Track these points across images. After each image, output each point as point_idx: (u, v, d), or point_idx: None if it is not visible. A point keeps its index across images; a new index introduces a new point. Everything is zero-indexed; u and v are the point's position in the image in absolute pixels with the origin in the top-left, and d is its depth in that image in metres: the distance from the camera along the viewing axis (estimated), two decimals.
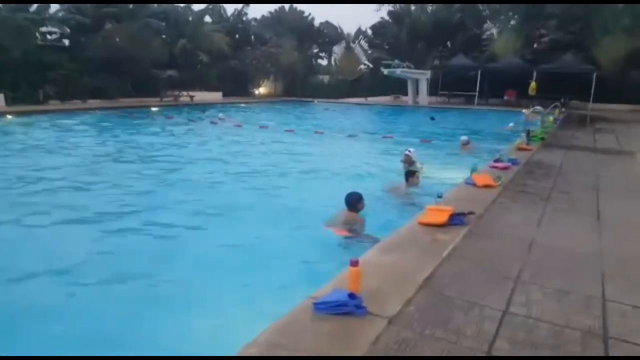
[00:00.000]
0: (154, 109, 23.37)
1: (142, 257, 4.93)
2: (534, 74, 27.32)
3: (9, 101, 21.71)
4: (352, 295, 3.02)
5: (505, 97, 29.25)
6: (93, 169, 9.14)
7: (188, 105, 27.92)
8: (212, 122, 17.98)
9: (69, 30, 28.44)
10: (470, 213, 4.75)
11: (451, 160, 10.29)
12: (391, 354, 2.54)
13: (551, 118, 16.84)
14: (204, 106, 26.64)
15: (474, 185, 6.30)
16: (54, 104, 23.36)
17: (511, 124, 18.05)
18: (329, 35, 38.62)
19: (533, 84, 27.27)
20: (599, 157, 9.33)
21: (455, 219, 4.65)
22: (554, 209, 5.36)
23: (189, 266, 4.71)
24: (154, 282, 4.39)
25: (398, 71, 26.81)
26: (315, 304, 3.00)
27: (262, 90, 39.05)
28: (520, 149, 9.73)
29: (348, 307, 2.99)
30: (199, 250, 5.07)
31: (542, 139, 11.37)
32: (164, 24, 30.92)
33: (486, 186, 6.23)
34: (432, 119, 21.39)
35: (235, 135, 14.54)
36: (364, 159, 10.34)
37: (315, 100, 33.52)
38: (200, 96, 30.55)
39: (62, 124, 16.56)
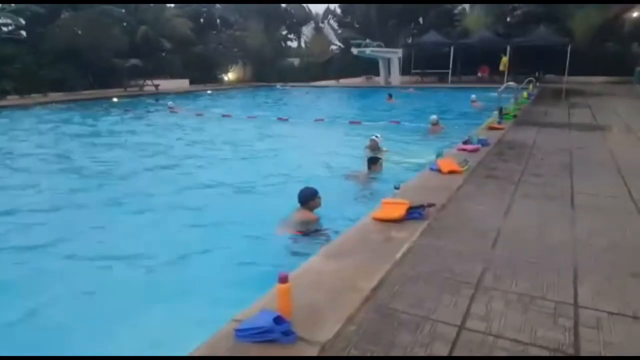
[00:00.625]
0: (115, 99, 22.30)
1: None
2: (508, 49, 26.95)
3: None
4: (278, 319, 2.51)
5: (479, 74, 28.89)
6: (34, 167, 8.43)
7: (153, 94, 26.90)
8: (171, 111, 17.16)
9: (23, 21, 27.00)
10: (430, 205, 4.25)
11: (419, 144, 9.80)
12: None
13: (525, 93, 16.49)
14: (165, 95, 25.56)
15: (439, 171, 5.81)
16: (11, 99, 22.24)
17: (473, 96, 17.89)
18: (297, 16, 37.48)
19: (504, 59, 26.94)
20: (574, 134, 8.94)
21: (414, 213, 4.15)
22: (524, 194, 4.90)
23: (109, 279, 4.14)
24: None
25: (368, 51, 26.09)
26: (236, 330, 2.50)
27: (230, 76, 37.97)
28: (491, 128, 9.29)
29: (274, 333, 2.48)
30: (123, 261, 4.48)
31: (515, 116, 10.95)
32: (123, 10, 29.57)
33: (452, 172, 5.75)
34: (390, 95, 20.87)
35: (189, 126, 13.80)
36: (328, 147, 9.75)
37: (278, 85, 32.56)
38: (166, 85, 29.50)
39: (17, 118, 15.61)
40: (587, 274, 3.13)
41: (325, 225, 4.94)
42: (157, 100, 22.02)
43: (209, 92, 28.52)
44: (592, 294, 2.86)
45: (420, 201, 4.30)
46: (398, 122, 12.50)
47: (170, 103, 18.71)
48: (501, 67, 27.08)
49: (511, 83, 13.12)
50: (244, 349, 2.38)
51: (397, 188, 4.43)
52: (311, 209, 4.95)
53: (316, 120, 13.36)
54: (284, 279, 2.52)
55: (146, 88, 28.54)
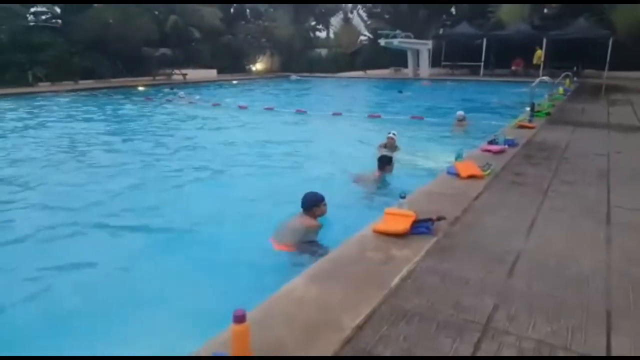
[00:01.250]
0: (140, 88, 22.27)
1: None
2: (544, 41, 25.68)
3: None
4: None
5: (513, 67, 27.65)
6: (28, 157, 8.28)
7: (180, 84, 26.91)
8: (190, 102, 16.92)
9: (58, 10, 27.39)
10: (440, 219, 3.72)
11: (441, 142, 9.17)
12: None
13: (561, 89, 15.52)
14: (183, 86, 25.57)
15: (457, 175, 5.24)
16: (43, 86, 22.56)
17: (495, 100, 17.06)
18: (326, 6, 36.77)
19: (539, 52, 25.67)
20: (613, 135, 8.14)
21: (420, 227, 3.63)
22: (552, 207, 4.30)
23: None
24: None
25: (396, 42, 25.26)
26: None
27: (258, 66, 37.68)
28: (521, 126, 8.58)
29: None
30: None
31: (548, 114, 10.16)
32: None
33: (472, 177, 5.17)
34: (400, 92, 20.32)
35: (203, 117, 13.48)
36: (341, 143, 9.25)
37: (293, 76, 31.76)
38: (194, 74, 29.44)
39: (35, 106, 15.67)
40: (623, 315, 2.56)
41: (325, 235, 4.46)
42: (172, 89, 21.96)
43: (234, 82, 28.28)
44: (630, 346, 2.30)
45: (430, 212, 3.79)
46: (421, 118, 11.84)
47: (181, 93, 18.62)
48: (535, 61, 25.83)
49: (545, 77, 12.23)
50: None
51: (403, 197, 3.90)
52: (315, 216, 4.49)
53: (334, 113, 12.81)
54: (239, 319, 2.07)
55: (174, 77, 28.57)
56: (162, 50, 30.62)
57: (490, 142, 6.93)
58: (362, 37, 37.15)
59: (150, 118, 13.49)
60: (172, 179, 6.91)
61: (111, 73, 26.34)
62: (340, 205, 5.14)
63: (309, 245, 4.22)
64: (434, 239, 3.54)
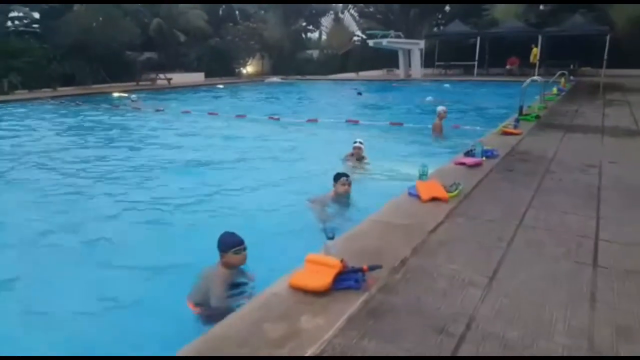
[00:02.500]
0: (115, 94, 21.30)
1: None
2: (539, 39, 24.84)
3: None
4: None
5: (508, 66, 26.79)
6: None
7: (165, 89, 26.12)
8: (133, 107, 16.03)
9: (37, 15, 26.68)
10: (374, 268, 2.87)
11: (420, 150, 8.32)
12: None
13: (555, 89, 14.65)
14: (179, 90, 24.85)
15: (418, 197, 4.39)
16: (19, 94, 21.76)
17: (429, 98, 16.49)
18: (317, 7, 35.94)
19: (535, 50, 24.83)
20: (607, 142, 7.27)
21: (346, 280, 2.78)
22: (527, 242, 3.45)
23: None
24: None
25: (385, 42, 24.42)
26: None
27: (249, 69, 36.87)
28: (505, 132, 7.69)
29: None
30: None
31: (538, 117, 9.28)
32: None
33: (435, 199, 4.32)
34: (359, 94, 19.61)
35: (156, 124, 12.61)
36: (313, 154, 8.37)
37: (272, 78, 30.59)
38: (180, 78, 28.67)
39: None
40: None
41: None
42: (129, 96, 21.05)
43: (220, 86, 27.46)
44: None
45: (373, 250, 2.96)
46: (401, 124, 10.95)
47: (133, 96, 17.90)
48: (532, 59, 25.01)
49: (536, 77, 11.40)
50: None
51: (330, 238, 3.04)
52: (228, 266, 3.58)
53: (308, 120, 11.94)
54: None
55: (159, 82, 27.77)
56: (147, 54, 29.96)
57: (467, 153, 6.08)
58: (354, 38, 36.29)
59: (104, 126, 12.68)
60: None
61: (92, 79, 25.54)
62: (279, 237, 4.30)
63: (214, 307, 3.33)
64: (363, 297, 2.68)
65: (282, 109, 15.31)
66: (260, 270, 3.68)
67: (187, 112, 13.87)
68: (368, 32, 26.34)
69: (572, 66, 24.28)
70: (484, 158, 5.83)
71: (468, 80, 25.00)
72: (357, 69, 32.77)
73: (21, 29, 26.36)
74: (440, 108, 9.67)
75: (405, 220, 3.92)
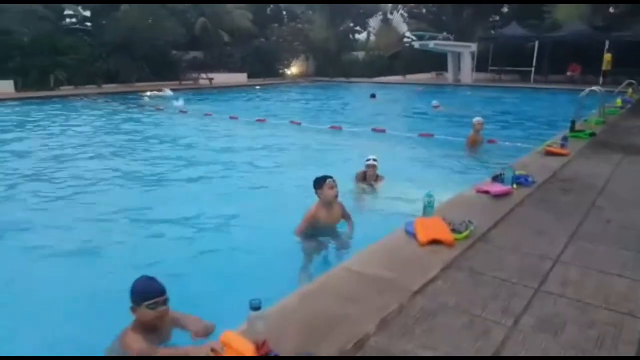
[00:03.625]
0: (147, 93, 21.01)
1: None
2: (606, 44, 22.65)
3: (19, 87, 20.86)
4: None
5: (568, 73, 24.65)
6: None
7: (207, 88, 26.07)
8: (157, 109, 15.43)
9: (86, 13, 27.40)
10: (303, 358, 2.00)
11: (448, 168, 7.23)
12: None
13: (619, 100, 12.98)
14: (222, 89, 24.70)
15: (415, 237, 3.45)
16: (65, 89, 22.28)
17: (434, 102, 15.52)
18: (365, 7, 34.88)
19: (608, 56, 22.56)
20: None
21: None
22: (542, 320, 2.45)
23: None
24: None
25: (431, 44, 23.04)
26: None
27: (293, 70, 36.39)
28: (549, 152, 6.49)
29: None
30: None
31: (593, 134, 7.94)
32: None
33: (434, 242, 3.37)
34: (373, 96, 18.70)
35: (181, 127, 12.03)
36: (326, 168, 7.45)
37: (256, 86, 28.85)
38: (222, 78, 28.52)
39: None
40: None
41: None
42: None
43: (257, 87, 27.08)
44: None
45: (319, 323, 2.15)
46: (383, 130, 9.82)
47: (178, 102, 17.27)
48: (604, 66, 22.74)
49: (595, 87, 9.96)
50: None
51: (255, 308, 2.16)
52: (142, 326, 2.74)
53: (291, 122, 11.02)
54: None
55: (201, 81, 27.78)
56: (192, 53, 30.12)
57: (495, 178, 5.01)
58: (403, 39, 34.96)
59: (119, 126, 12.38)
60: None
61: (136, 77, 25.86)
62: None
63: None
64: None
65: (306, 112, 14.52)
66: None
67: (208, 114, 13.18)
68: (415, 33, 25.01)
69: None
70: (514, 186, 4.75)
71: (523, 88, 23.18)
72: (405, 71, 31.52)
73: (73, 27, 27.12)
74: (475, 119, 8.47)
75: (387, 271, 3.00)
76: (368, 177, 6.01)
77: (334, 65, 34.62)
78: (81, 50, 23.79)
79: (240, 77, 30.98)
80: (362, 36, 38.66)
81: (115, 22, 25.35)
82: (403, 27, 34.31)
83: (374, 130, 10.27)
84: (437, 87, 24.61)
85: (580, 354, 2.16)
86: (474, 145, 8.37)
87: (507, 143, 8.43)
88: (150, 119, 13.77)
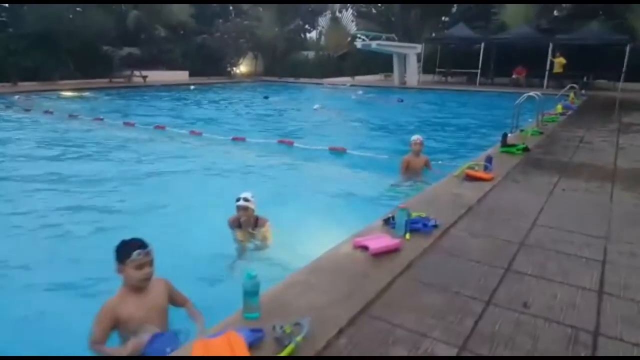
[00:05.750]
0: (15, 97, 17.98)
1: None
2: (550, 46, 22.28)
3: None
4: None
5: (514, 76, 24.22)
6: None
7: (140, 87, 24.06)
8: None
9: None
10: None
11: (368, 202, 5.92)
12: None
13: (559, 106, 12.21)
14: (165, 87, 22.72)
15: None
16: None
17: (316, 105, 15.04)
18: (314, 5, 33.57)
19: (560, 59, 22.14)
20: (620, 200, 4.84)
21: None
22: None
23: None
24: None
25: (373, 44, 21.94)
26: None
27: (242, 69, 34.69)
28: (470, 176, 5.30)
29: None
30: None
31: (526, 149, 6.88)
32: None
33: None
34: (266, 97, 18.50)
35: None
36: (217, 191, 6.04)
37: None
38: (159, 76, 26.53)
39: None
40: None
41: None
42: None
43: (192, 87, 25.34)
44: None
45: None
46: (291, 143, 8.55)
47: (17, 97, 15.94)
48: (556, 69, 22.31)
49: (533, 93, 9.01)
50: None
51: None
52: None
53: (192, 132, 9.62)
54: None
55: (135, 79, 25.72)
56: (128, 49, 27.91)
57: (387, 221, 3.76)
58: (357, 39, 33.82)
59: None
60: None
61: (60, 74, 23.54)
62: None
63: None
64: None
65: (219, 118, 13.12)
66: None
67: (129, 123, 11.39)
68: (357, 32, 23.88)
69: (585, 78, 21.71)
70: (407, 236, 3.50)
71: (466, 91, 22.49)
72: (354, 72, 30.45)
73: None
74: (413, 138, 6.69)
75: None
76: (243, 224, 4.51)
77: (282, 64, 33.17)
78: None
79: (181, 75, 29.05)
80: (312, 35, 37.33)
81: (34, 13, 22.97)
82: (353, 27, 33.04)
83: (280, 142, 8.87)
84: (378, 90, 23.53)
85: None
86: (410, 170, 6.68)
87: (439, 161, 7.10)
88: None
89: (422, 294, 2.69)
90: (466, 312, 2.52)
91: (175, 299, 2.89)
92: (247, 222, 4.46)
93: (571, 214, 4.26)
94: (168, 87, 24.52)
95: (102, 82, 24.54)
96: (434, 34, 27.29)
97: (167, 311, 2.79)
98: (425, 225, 3.68)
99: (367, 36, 22.07)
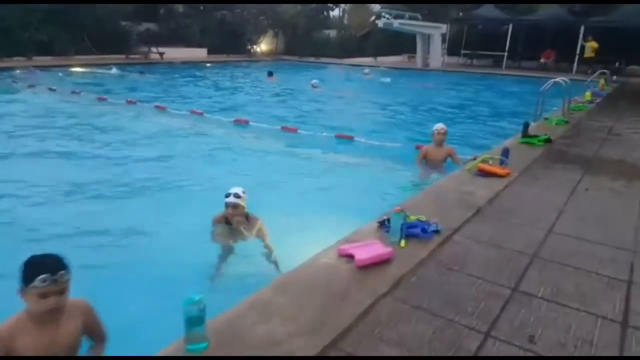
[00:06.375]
0: (17, 71, 17.67)
1: None
2: (581, 29, 21.10)
3: None
4: None
5: (542, 60, 23.10)
6: None
7: (157, 63, 23.79)
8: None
9: None
10: None
11: (371, 194, 5.47)
12: None
13: (588, 93, 11.44)
14: (178, 66, 22.42)
15: None
16: None
17: (314, 81, 14.68)
18: None
19: (592, 43, 20.94)
20: None
21: None
22: None
23: None
24: None
25: (396, 23, 21.06)
26: None
27: (263, 47, 34.06)
28: (482, 170, 4.81)
29: None
30: None
31: (548, 140, 6.32)
32: None
33: None
34: (270, 74, 17.68)
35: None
36: (211, 178, 5.67)
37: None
38: (176, 53, 26.15)
39: None
40: None
41: None
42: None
43: (208, 65, 24.94)
44: None
45: None
46: (294, 130, 7.96)
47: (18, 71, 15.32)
48: (587, 53, 21.13)
49: (560, 79, 8.35)
50: None
51: None
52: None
53: (236, 120, 9.11)
54: None
55: (152, 56, 25.44)
56: (146, 25, 27.60)
57: (382, 224, 3.34)
58: (376, 18, 32.86)
59: None
60: None
61: (76, 49, 23.38)
62: None
63: None
64: None
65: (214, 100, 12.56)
66: None
67: (161, 107, 10.57)
68: (379, 10, 22.99)
69: (617, 64, 20.53)
70: (402, 243, 3.08)
71: (492, 74, 21.54)
72: (377, 53, 29.59)
73: None
74: (436, 127, 6.02)
75: None
76: (234, 222, 4.06)
77: (304, 43, 32.42)
78: (7, 17, 21.15)
79: (200, 53, 28.58)
80: (335, 13, 36.41)
81: None
82: (377, 5, 32.04)
83: (284, 129, 8.37)
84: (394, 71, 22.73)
85: None
86: (429, 162, 6.08)
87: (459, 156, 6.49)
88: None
89: (409, 322, 2.28)
90: (459, 347, 2.11)
91: (91, 331, 2.28)
92: (238, 220, 4.05)
93: (594, 219, 3.76)
94: (190, 64, 24.19)
95: (119, 58, 24.33)
96: (461, 14, 26.17)
97: (78, 346, 2.22)
98: (424, 230, 3.25)
99: (389, 14, 21.18)
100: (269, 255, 3.92)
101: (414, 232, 3.21)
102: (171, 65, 23.51)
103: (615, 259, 3.04)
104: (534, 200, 4.14)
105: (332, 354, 2.01)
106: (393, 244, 3.07)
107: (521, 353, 2.09)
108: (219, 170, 6.11)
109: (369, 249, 2.92)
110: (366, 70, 20.50)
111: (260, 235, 4.06)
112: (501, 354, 2.08)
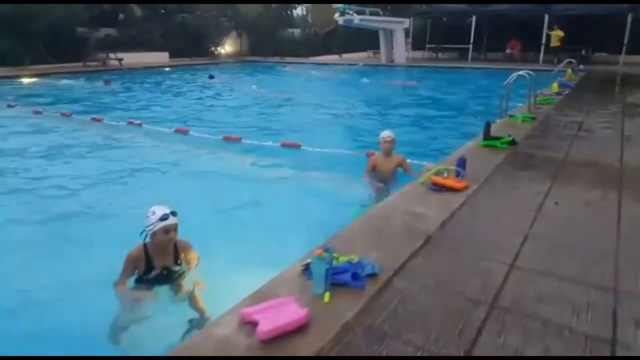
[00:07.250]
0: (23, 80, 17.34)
1: None
2: (546, 18, 20.91)
3: None
4: None
5: (508, 50, 22.88)
6: None
7: (116, 70, 22.66)
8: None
9: None
10: None
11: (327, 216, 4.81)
12: None
13: (555, 85, 11.03)
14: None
15: None
16: None
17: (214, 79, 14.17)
18: None
19: (558, 32, 20.73)
20: (631, 211, 3.76)
21: None
22: None
23: None
24: None
25: (356, 19, 20.53)
26: None
27: (228, 49, 33.13)
28: (436, 184, 4.17)
29: None
30: None
31: (512, 142, 5.75)
32: None
33: None
34: (211, 77, 17.97)
35: None
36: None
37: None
38: (137, 58, 25.14)
39: None
40: None
41: None
42: None
43: (166, 69, 24.02)
44: None
45: None
46: (297, 146, 7.17)
47: None
48: (553, 43, 20.91)
49: (524, 72, 7.84)
50: None
51: None
52: None
53: (177, 130, 8.32)
54: None
55: (111, 62, 24.33)
56: (104, 30, 26.46)
57: (307, 267, 2.67)
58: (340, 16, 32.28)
59: None
60: None
61: (30, 59, 22.17)
62: None
63: None
64: None
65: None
66: None
67: (66, 114, 10.03)
68: (338, 7, 22.40)
69: (584, 52, 20.40)
70: (325, 296, 2.41)
71: (457, 67, 21.19)
72: (342, 50, 29.07)
73: None
74: (383, 135, 5.46)
75: None
76: (162, 244, 3.36)
77: (269, 43, 31.63)
78: None
79: (161, 57, 27.58)
80: (298, 11, 35.70)
81: None
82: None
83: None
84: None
85: None
86: (377, 173, 5.52)
87: (412, 160, 5.87)
88: None
89: None
90: None
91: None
92: (165, 252, 3.32)
93: (565, 246, 3.15)
94: (147, 69, 23.18)
95: (76, 66, 23.20)
96: (424, 7, 25.79)
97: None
98: (355, 276, 2.58)
99: (351, 11, 20.60)
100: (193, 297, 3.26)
101: (342, 279, 2.54)
102: (130, 71, 22.46)
103: (594, 305, 2.43)
104: (494, 222, 3.53)
105: None
106: (316, 298, 2.41)
107: None
108: (138, 189, 5.37)
109: (278, 314, 2.23)
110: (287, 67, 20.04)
111: (191, 261, 3.42)
112: None
